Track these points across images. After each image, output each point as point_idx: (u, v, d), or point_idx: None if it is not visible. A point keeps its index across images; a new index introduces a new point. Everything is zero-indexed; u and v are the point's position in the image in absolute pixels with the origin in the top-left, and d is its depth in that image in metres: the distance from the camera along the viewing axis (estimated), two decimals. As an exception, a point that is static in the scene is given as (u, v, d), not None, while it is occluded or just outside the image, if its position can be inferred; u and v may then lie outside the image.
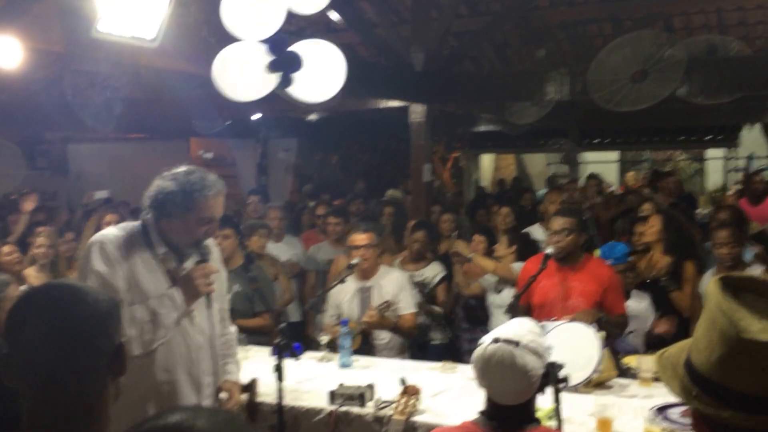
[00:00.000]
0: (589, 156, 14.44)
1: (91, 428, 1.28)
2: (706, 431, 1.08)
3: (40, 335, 1.26)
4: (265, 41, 3.22)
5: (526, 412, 2.16)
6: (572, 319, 3.64)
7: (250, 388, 3.27)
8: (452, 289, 5.21)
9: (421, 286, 4.98)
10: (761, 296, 1.08)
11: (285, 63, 3.26)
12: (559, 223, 3.93)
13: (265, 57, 3.24)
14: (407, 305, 4.41)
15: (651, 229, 4.80)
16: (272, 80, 3.29)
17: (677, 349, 1.18)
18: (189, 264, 2.77)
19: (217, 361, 2.87)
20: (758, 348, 1.01)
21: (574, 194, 7.71)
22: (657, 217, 4.92)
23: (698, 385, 1.08)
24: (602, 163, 14.81)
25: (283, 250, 5.81)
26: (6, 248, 4.94)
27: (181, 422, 0.76)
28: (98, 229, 5.38)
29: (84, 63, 4.86)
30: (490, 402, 2.17)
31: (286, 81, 3.30)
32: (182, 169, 2.74)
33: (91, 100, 5.96)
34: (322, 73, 3.34)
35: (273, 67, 3.25)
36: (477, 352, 2.15)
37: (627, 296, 4.35)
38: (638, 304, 4.46)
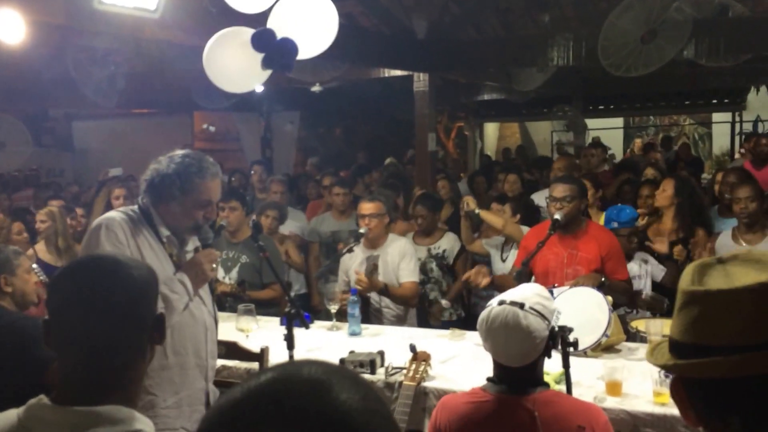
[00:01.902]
0: (594, 122, 14.36)
1: (121, 397, 1.31)
2: (682, 395, 1.09)
3: (84, 307, 1.30)
4: (252, 38, 3.12)
5: (533, 374, 2.17)
6: (575, 284, 3.65)
7: (261, 357, 3.30)
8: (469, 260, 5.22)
9: (439, 259, 4.98)
10: (750, 263, 1.07)
11: (279, 56, 3.17)
12: (561, 189, 3.92)
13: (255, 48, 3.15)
14: (408, 273, 4.41)
15: (663, 193, 4.75)
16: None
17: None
18: (190, 248, 2.78)
19: (216, 345, 2.87)
20: (694, 297, 1.04)
21: (592, 160, 7.64)
22: (670, 181, 4.85)
23: (671, 350, 1.10)
24: (607, 130, 14.72)
25: (288, 224, 5.81)
26: (16, 226, 4.95)
27: (281, 373, 0.75)
28: (108, 203, 5.43)
29: (85, 36, 4.82)
30: (497, 365, 2.19)
31: (286, 68, 3.22)
32: (179, 152, 2.71)
33: (94, 74, 5.92)
34: (313, 27, 3.25)
35: (267, 63, 3.16)
36: (483, 315, 2.17)
37: (629, 259, 4.34)
38: (642, 266, 4.47)
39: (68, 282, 1.34)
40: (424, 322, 4.72)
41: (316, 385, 0.74)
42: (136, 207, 2.71)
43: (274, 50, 3.11)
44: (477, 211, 4.92)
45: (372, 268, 4.24)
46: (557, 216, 3.83)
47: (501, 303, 2.14)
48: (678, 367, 1.06)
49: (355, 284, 4.19)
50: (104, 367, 1.30)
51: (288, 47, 3.12)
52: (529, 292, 2.19)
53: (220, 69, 3.19)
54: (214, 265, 2.80)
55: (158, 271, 2.56)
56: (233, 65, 3.19)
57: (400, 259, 4.40)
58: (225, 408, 0.74)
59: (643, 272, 4.44)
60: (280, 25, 3.16)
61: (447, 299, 4.98)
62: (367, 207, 4.41)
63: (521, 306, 2.11)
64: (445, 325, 4.54)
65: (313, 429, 0.71)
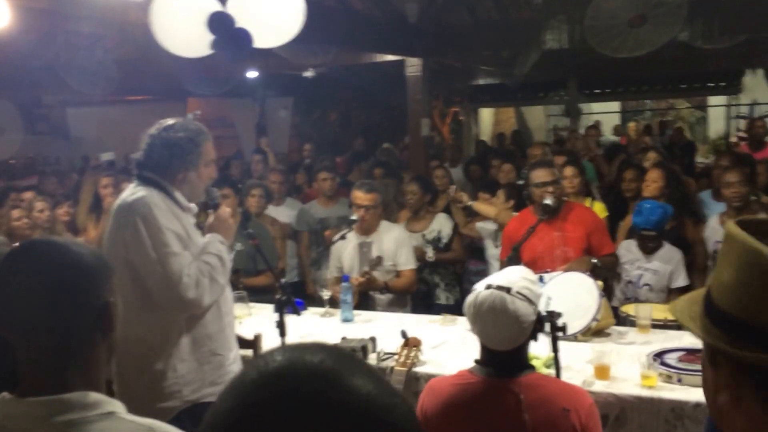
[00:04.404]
0: (590, 107, 14.33)
1: (83, 383, 1.29)
2: (725, 375, 0.98)
3: (24, 289, 1.28)
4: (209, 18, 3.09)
5: (519, 358, 2.18)
6: (567, 269, 3.66)
7: (254, 343, 3.31)
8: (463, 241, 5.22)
9: (435, 242, 4.96)
10: None
11: (232, 42, 3.13)
12: (543, 174, 3.91)
13: (206, 24, 3.11)
14: (406, 261, 4.42)
15: (654, 184, 4.72)
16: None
17: (690, 297, 1.12)
18: (194, 212, 2.85)
19: None
20: None
21: (576, 144, 7.66)
22: (659, 171, 4.83)
23: (719, 327, 0.98)
24: (603, 114, 14.70)
25: (284, 213, 5.78)
26: (15, 212, 4.91)
27: (290, 360, 0.74)
28: (96, 192, 5.41)
29: (71, 21, 4.77)
30: (484, 349, 2.20)
31: (236, 57, 3.19)
32: (168, 122, 2.74)
33: (84, 61, 5.88)
34: (278, 15, 3.23)
35: (217, 47, 3.14)
36: (469, 299, 2.18)
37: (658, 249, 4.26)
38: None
39: (10, 266, 1.32)
40: (419, 308, 4.73)
41: (328, 372, 0.72)
42: (143, 184, 2.69)
43: (228, 37, 3.10)
44: (470, 203, 4.95)
45: (376, 261, 4.22)
46: (547, 201, 3.83)
47: (488, 287, 2.15)
48: (744, 357, 0.93)
49: (356, 283, 4.18)
50: (54, 355, 1.28)
51: (243, 37, 3.08)
52: (515, 276, 2.19)
53: (167, 28, 3.18)
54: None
55: (196, 238, 2.69)
56: (181, 29, 3.17)
57: (397, 248, 4.39)
58: (237, 395, 0.72)
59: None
60: (239, 8, 3.12)
61: (433, 252, 4.89)
62: (362, 198, 4.38)
63: (508, 290, 2.11)
64: (440, 310, 4.56)
65: (332, 417, 0.69)
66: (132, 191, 2.69)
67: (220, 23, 3.09)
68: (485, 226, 5.14)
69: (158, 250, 2.56)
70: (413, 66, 6.56)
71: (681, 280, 4.18)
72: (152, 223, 2.57)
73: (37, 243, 1.42)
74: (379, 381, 0.74)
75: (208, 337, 2.72)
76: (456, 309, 4.89)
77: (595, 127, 10.61)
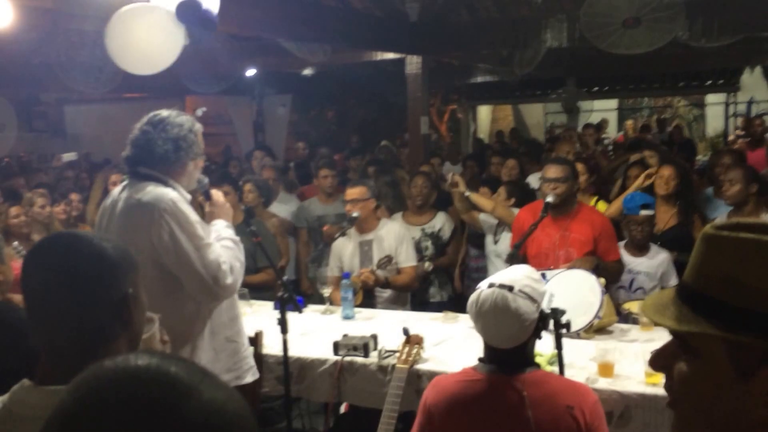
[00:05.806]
0: (588, 104, 14.34)
1: None
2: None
3: (45, 279, 1.29)
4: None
5: (523, 355, 2.19)
6: (570, 267, 3.66)
7: (254, 341, 3.31)
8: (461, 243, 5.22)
9: (434, 237, 4.96)
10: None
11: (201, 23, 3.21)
12: (554, 170, 3.91)
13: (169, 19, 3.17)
14: (407, 258, 4.42)
15: (672, 182, 4.66)
16: (176, 46, 3.24)
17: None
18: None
19: None
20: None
21: (573, 142, 7.68)
22: (670, 168, 4.76)
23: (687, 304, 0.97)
24: (601, 112, 14.71)
25: (278, 209, 5.76)
26: (14, 210, 4.89)
27: (152, 364, 0.74)
28: (105, 189, 5.41)
29: (74, 21, 4.77)
30: (487, 346, 2.20)
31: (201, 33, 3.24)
32: (161, 115, 2.69)
33: (84, 60, 5.88)
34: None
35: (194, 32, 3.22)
36: (472, 298, 2.18)
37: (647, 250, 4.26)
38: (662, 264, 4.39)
39: (31, 261, 1.33)
40: (417, 305, 4.73)
41: (178, 385, 0.73)
42: (141, 180, 2.64)
43: (198, 20, 3.16)
44: (467, 193, 4.93)
45: (385, 261, 4.21)
46: (549, 198, 3.83)
47: (490, 286, 2.15)
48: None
49: (359, 280, 4.18)
50: (72, 345, 1.29)
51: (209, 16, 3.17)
52: (518, 275, 2.19)
53: (133, 48, 3.22)
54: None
55: (205, 228, 2.68)
56: (150, 44, 3.21)
57: (398, 244, 4.38)
58: (89, 388, 0.73)
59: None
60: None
61: (430, 263, 4.85)
62: (350, 192, 4.37)
63: (510, 289, 2.11)
64: (434, 307, 4.56)
65: (169, 424, 0.70)
66: (142, 189, 2.60)
67: (188, 10, 3.15)
68: (486, 219, 5.12)
69: (194, 242, 2.55)
70: (413, 64, 6.57)
71: (673, 280, 4.13)
72: (181, 217, 2.55)
73: (62, 235, 1.44)
74: (231, 394, 0.75)
75: (223, 325, 2.76)
76: (449, 305, 4.90)
77: (591, 125, 10.61)
